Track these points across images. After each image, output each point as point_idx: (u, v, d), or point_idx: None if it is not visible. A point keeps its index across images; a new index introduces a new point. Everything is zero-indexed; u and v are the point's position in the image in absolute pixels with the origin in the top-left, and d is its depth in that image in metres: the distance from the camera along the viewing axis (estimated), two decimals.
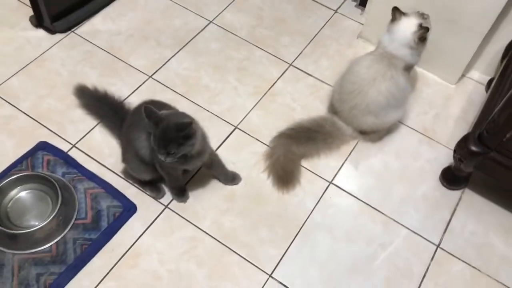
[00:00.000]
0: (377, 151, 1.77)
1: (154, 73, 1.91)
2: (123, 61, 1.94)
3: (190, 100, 1.84)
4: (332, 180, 1.69)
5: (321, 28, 2.13)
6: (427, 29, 1.57)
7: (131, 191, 1.60)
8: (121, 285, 1.43)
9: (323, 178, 1.69)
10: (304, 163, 1.72)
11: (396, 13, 1.60)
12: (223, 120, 1.80)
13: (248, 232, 1.55)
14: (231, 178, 1.64)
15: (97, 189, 1.58)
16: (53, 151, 1.66)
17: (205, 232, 1.54)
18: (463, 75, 2.00)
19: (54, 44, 1.96)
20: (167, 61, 1.96)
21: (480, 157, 1.49)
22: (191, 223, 1.56)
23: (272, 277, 1.48)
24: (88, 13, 2.05)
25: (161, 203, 1.59)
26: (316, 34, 2.11)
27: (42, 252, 1.45)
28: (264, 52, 2.03)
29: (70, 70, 1.89)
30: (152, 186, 1.60)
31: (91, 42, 1.98)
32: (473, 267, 1.54)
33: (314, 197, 1.64)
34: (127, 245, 1.50)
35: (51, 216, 1.45)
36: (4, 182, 1.51)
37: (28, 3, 1.92)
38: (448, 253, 1.56)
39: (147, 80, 1.89)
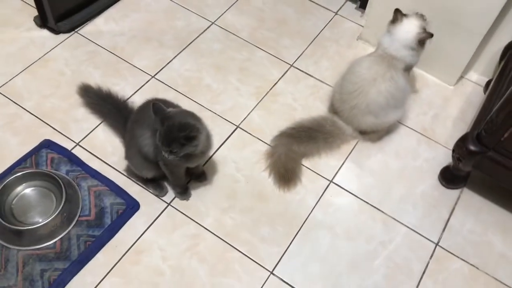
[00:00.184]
0: (377, 151, 1.79)
1: (157, 73, 1.93)
2: (126, 61, 1.96)
3: (192, 100, 1.86)
4: (333, 178, 1.71)
5: (322, 30, 2.15)
6: (431, 35, 1.59)
7: (134, 189, 1.62)
8: (124, 281, 1.44)
9: (323, 177, 1.71)
10: (305, 162, 1.73)
11: (398, 14, 1.62)
12: (225, 119, 1.82)
13: (250, 230, 1.57)
14: (199, 176, 1.64)
15: (101, 187, 1.60)
16: (57, 149, 1.67)
17: (207, 229, 1.56)
18: (461, 77, 2.02)
19: (58, 44, 1.98)
20: (169, 62, 1.98)
21: (478, 156, 1.51)
22: (193, 220, 1.57)
23: (273, 274, 1.49)
24: (92, 13, 2.08)
25: (164, 201, 1.61)
26: (316, 36, 2.13)
27: (46, 248, 1.47)
28: (265, 53, 2.05)
29: (74, 69, 1.91)
30: (154, 184, 1.61)
31: (94, 43, 2.00)
32: (472, 265, 1.56)
33: (315, 195, 1.66)
34: (130, 241, 1.51)
35: (55, 213, 1.47)
36: (9, 179, 1.53)
37: (33, 3, 1.94)
38: (447, 251, 1.58)
39: (149, 80, 1.91)
